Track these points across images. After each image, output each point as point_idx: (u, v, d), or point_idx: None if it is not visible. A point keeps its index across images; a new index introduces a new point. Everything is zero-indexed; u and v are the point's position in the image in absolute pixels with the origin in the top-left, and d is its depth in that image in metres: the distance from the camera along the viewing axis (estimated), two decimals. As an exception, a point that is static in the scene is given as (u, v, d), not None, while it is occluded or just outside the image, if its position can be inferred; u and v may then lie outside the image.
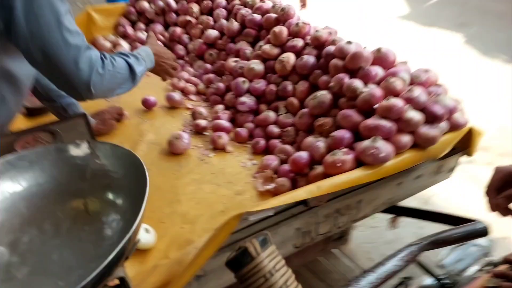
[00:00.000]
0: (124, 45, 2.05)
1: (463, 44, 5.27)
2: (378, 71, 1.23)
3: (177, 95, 1.63)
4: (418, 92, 1.06)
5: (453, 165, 1.27)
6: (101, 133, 1.37)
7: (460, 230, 0.94)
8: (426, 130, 1.04)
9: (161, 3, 2.14)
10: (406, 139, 1.03)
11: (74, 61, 0.88)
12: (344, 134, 1.09)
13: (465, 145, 1.16)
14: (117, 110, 1.47)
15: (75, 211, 0.67)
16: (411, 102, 1.05)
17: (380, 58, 1.25)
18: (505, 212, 0.88)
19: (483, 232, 0.95)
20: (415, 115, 1.03)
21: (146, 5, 2.20)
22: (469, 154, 1.17)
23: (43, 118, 1.40)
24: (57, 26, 0.85)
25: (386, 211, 1.31)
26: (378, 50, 1.26)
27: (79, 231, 0.65)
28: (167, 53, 1.26)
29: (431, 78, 1.25)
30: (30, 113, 1.40)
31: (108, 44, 2.06)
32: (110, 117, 1.41)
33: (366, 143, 1.00)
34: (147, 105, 1.59)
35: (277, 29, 1.52)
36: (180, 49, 2.00)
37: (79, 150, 0.70)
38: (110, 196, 0.68)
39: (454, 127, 1.11)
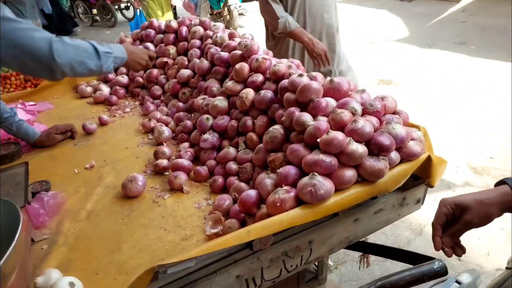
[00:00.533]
0: (105, 89, 2.12)
1: (462, 62, 5.18)
2: (330, 102, 1.20)
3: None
4: (362, 123, 1.01)
5: (420, 196, 1.18)
6: (43, 144, 1.58)
7: (414, 271, 0.85)
8: (372, 163, 0.98)
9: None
10: (349, 173, 0.97)
11: (31, 38, 1.03)
12: (289, 170, 1.04)
13: (427, 174, 1.08)
14: (66, 126, 1.64)
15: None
16: (355, 133, 1.00)
17: (333, 89, 1.23)
18: (450, 252, 0.79)
19: (440, 272, 0.85)
20: (358, 148, 0.97)
21: (127, 49, 2.28)
22: (429, 184, 1.08)
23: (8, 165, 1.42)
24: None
25: (351, 248, 1.22)
26: (331, 81, 1.24)
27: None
28: (140, 49, 1.51)
29: (388, 106, 1.20)
30: (-6, 161, 1.43)
31: (89, 89, 2.14)
32: (55, 131, 1.59)
33: (304, 180, 0.95)
34: (87, 131, 1.71)
35: (238, 65, 1.52)
36: (157, 89, 2.04)
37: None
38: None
39: (408, 156, 1.04)
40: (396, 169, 1.02)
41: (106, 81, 2.23)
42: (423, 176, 1.10)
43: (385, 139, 1.00)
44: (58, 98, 2.12)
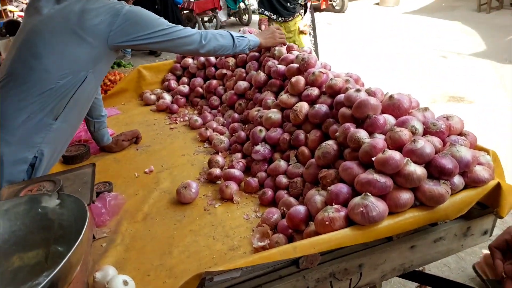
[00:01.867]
0: (167, 97, 2.25)
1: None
2: (389, 119, 1.15)
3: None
4: (422, 143, 0.95)
5: (488, 227, 1.08)
6: (111, 150, 1.71)
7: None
8: (431, 187, 0.92)
9: (202, 59, 2.33)
10: (406, 196, 0.91)
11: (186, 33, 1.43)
12: (341, 188, 1.01)
13: (496, 203, 0.98)
14: (133, 133, 1.78)
15: (36, 259, 0.72)
16: (413, 154, 0.95)
17: (393, 106, 1.18)
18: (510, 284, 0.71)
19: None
20: (416, 169, 0.92)
21: (190, 61, 2.41)
22: (499, 215, 0.98)
23: (78, 165, 1.57)
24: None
25: (406, 277, 1.15)
26: (390, 97, 1.19)
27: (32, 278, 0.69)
28: (269, 31, 1.85)
29: (453, 126, 1.13)
30: (66, 161, 1.59)
31: (153, 97, 2.29)
32: (124, 138, 1.74)
33: (356, 199, 0.92)
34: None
35: (294, 79, 1.53)
36: (215, 100, 2.12)
37: (50, 201, 0.76)
38: (60, 249, 0.72)
39: (474, 182, 0.96)
40: (459, 195, 0.95)
41: (168, 90, 2.37)
42: (491, 205, 1.00)
43: (447, 162, 0.93)
44: (124, 105, 2.29)
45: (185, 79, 2.37)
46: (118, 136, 1.75)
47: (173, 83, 2.35)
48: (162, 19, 1.39)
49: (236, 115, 1.89)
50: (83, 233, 0.64)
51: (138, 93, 2.38)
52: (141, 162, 1.63)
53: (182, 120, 2.05)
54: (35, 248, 0.73)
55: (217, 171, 1.46)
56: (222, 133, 1.81)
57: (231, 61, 2.16)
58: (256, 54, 2.04)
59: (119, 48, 1.31)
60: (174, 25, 1.41)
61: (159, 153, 1.70)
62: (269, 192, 1.31)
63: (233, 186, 1.35)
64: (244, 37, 1.69)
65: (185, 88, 2.28)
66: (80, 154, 1.61)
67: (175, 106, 2.16)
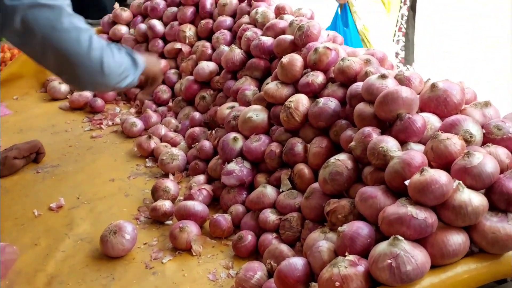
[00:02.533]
0: (87, 88, 2.24)
1: None
2: (431, 120, 1.20)
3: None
4: (480, 158, 0.99)
5: None
6: None
7: None
8: (495, 224, 0.96)
9: (143, 27, 2.35)
10: (457, 239, 0.95)
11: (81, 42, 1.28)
12: (358, 229, 1.03)
13: None
14: (31, 146, 1.75)
15: None
16: (467, 174, 0.98)
17: (436, 100, 1.22)
18: None
19: None
20: (472, 198, 0.95)
21: (123, 30, 2.43)
22: None
23: None
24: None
25: None
26: (433, 86, 1.23)
27: None
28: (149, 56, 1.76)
29: None
30: None
31: (63, 88, 2.29)
32: (16, 154, 1.71)
33: (381, 247, 0.94)
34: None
35: (286, 58, 1.56)
36: (163, 91, 2.13)
37: None
38: None
39: (560, 218, 1.00)
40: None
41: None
42: None
43: (519, 186, 0.97)
44: (18, 100, 2.28)
45: (115, 59, 2.37)
46: (7, 150, 1.74)
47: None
48: None
49: (197, 114, 1.91)
50: None
51: (40, 82, 2.36)
52: (43, 193, 1.62)
53: (110, 123, 2.06)
54: None
55: (166, 204, 1.47)
56: (174, 144, 1.82)
57: (189, 30, 2.19)
58: (228, 19, 2.07)
59: None
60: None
61: (73, 178, 1.70)
62: (249, 237, 1.32)
63: (192, 229, 1.36)
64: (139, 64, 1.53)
65: (116, 73, 2.28)
66: None
67: (99, 102, 2.16)
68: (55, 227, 1.46)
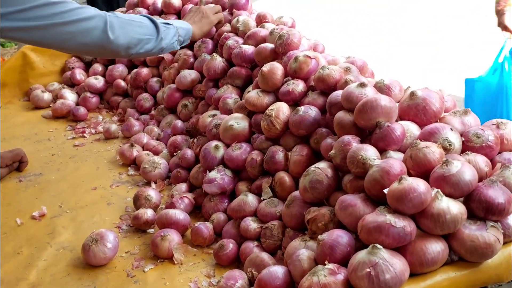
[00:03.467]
0: (69, 97, 2.23)
1: None
2: (410, 129, 1.20)
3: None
4: (458, 166, 0.98)
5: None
6: None
7: None
8: (473, 232, 0.95)
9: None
10: (436, 248, 0.94)
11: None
12: (338, 237, 1.03)
13: None
14: (14, 155, 1.74)
15: None
16: (446, 182, 0.98)
17: (415, 108, 1.23)
18: None
19: None
20: (450, 206, 0.95)
21: (106, 38, 2.39)
22: None
23: None
24: None
25: None
26: (412, 94, 1.23)
27: None
28: (196, 10, 1.91)
29: (507, 138, 1.18)
30: None
31: (47, 96, 2.27)
32: None
33: (361, 255, 0.93)
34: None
35: (267, 66, 1.56)
36: (145, 99, 2.11)
37: None
38: None
39: (536, 225, 1.00)
40: (516, 244, 0.98)
41: (72, 84, 2.35)
42: None
43: (497, 194, 0.97)
44: (1, 108, 2.24)
45: (98, 67, 2.36)
46: None
47: (79, 74, 2.34)
48: None
49: (179, 123, 1.89)
50: None
51: (22, 90, 2.35)
52: (27, 201, 1.61)
53: (93, 131, 2.05)
54: None
55: (148, 213, 1.45)
56: (156, 152, 1.81)
57: (172, 38, 2.17)
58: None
59: None
60: None
61: (56, 186, 1.69)
62: (230, 245, 1.31)
63: (173, 237, 1.34)
64: (169, 24, 1.69)
65: (98, 81, 2.27)
66: None
67: (82, 110, 2.14)
68: (37, 236, 1.44)
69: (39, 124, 2.12)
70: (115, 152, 1.87)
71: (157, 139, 1.89)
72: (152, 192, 1.53)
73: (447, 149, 1.09)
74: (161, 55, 2.13)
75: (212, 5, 2.01)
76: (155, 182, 1.66)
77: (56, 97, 2.25)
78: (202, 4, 2.05)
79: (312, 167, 1.23)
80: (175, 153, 1.75)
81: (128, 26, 1.51)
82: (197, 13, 1.88)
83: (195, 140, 1.71)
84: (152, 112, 2.07)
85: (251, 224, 1.33)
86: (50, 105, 2.24)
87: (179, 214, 1.42)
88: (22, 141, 1.96)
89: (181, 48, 1.85)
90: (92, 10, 1.44)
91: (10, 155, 1.74)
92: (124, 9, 2.44)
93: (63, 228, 1.47)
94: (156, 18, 1.67)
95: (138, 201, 1.51)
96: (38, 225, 1.48)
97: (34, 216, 1.52)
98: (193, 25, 1.81)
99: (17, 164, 1.76)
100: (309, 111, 1.38)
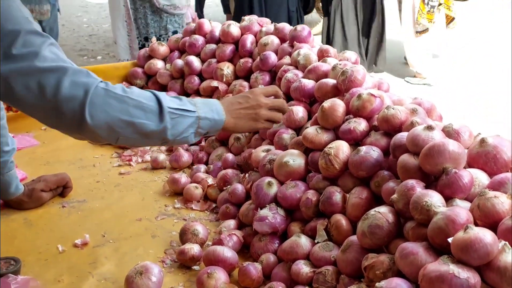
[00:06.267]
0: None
1: None
2: (478, 177, 1.23)
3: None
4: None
5: None
6: (23, 207, 1.79)
7: None
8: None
9: (179, 63, 2.47)
10: None
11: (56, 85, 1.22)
12: (398, 286, 1.06)
13: None
14: (59, 179, 1.84)
15: None
16: (515, 235, 1.01)
17: (485, 155, 1.26)
18: None
19: None
20: (519, 260, 0.98)
21: (159, 64, 2.56)
22: None
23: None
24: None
25: None
26: (482, 141, 1.27)
27: None
28: (249, 95, 1.59)
29: None
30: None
31: (94, 121, 2.39)
32: (44, 187, 1.80)
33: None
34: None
35: (328, 103, 1.63)
36: (196, 129, 2.21)
37: None
38: None
39: None
40: None
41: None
42: None
43: None
44: (46, 131, 2.38)
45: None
46: (34, 182, 1.83)
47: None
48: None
49: (230, 156, 1.98)
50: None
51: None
52: (68, 228, 1.69)
53: (140, 160, 2.15)
54: None
55: (194, 248, 1.52)
56: (204, 186, 1.88)
57: (227, 68, 2.30)
58: (270, 56, 2.15)
59: None
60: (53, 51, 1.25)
61: (99, 215, 1.77)
62: (280, 289, 1.35)
63: (220, 276, 1.40)
64: (188, 111, 1.40)
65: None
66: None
67: (129, 137, 2.26)
68: (78, 265, 1.52)
69: (85, 149, 2.23)
70: (161, 183, 1.96)
71: (207, 172, 1.98)
72: (199, 227, 1.60)
73: (514, 201, 1.12)
74: (215, 85, 2.25)
75: (272, 97, 1.66)
76: (198, 201, 1.79)
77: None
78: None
79: (372, 211, 1.28)
80: (224, 188, 1.83)
81: (115, 103, 1.29)
82: (245, 107, 1.55)
83: (247, 175, 1.79)
84: (203, 143, 2.17)
85: (303, 267, 1.37)
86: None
87: (227, 252, 1.48)
88: (66, 165, 2.07)
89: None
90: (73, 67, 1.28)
91: (55, 179, 1.85)
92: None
93: (105, 258, 1.55)
94: (174, 99, 1.42)
95: (184, 235, 1.59)
96: (80, 254, 1.57)
97: (76, 244, 1.61)
98: (231, 119, 1.51)
99: (61, 189, 1.87)
100: (371, 151, 1.44)
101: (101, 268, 1.51)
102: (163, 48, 2.60)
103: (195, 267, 1.51)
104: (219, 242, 1.55)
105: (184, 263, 1.52)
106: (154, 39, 2.74)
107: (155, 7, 3.74)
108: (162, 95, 1.38)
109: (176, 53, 2.58)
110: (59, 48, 1.29)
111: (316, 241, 1.43)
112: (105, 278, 1.47)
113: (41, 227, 1.71)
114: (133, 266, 1.41)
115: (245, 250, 1.58)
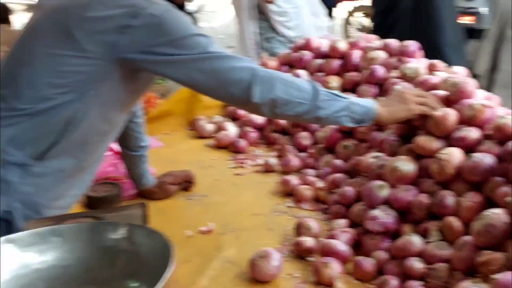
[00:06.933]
0: (231, 129, 2.54)
1: None
2: None
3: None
4: None
5: None
6: (153, 197, 1.96)
7: None
8: None
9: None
10: None
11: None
12: (514, 280, 1.12)
13: None
14: (185, 175, 2.04)
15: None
16: None
17: None
18: None
19: None
20: None
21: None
22: None
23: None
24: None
25: None
26: None
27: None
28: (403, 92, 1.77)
29: None
30: (90, 204, 1.87)
31: (210, 127, 2.59)
32: (172, 180, 2.00)
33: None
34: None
35: (439, 112, 1.69)
36: (304, 137, 2.34)
37: (115, 233, 1.00)
38: (133, 284, 0.93)
39: None
40: None
41: (234, 118, 2.66)
42: None
43: None
44: (168, 135, 2.61)
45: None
46: (164, 176, 2.03)
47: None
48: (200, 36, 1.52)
49: (338, 162, 2.07)
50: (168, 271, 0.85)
51: (188, 120, 2.69)
52: (194, 217, 1.86)
53: (253, 163, 2.30)
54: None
55: (309, 241, 1.62)
56: (315, 188, 1.99)
57: (334, 81, 2.40)
58: (377, 69, 2.23)
59: (129, 65, 1.49)
60: (218, 46, 1.54)
61: (220, 208, 1.93)
62: (394, 283, 1.42)
63: (335, 266, 1.49)
64: (340, 96, 1.65)
65: (259, 117, 2.53)
66: (109, 197, 1.89)
67: (242, 143, 2.41)
68: (205, 248, 1.67)
69: (203, 152, 2.42)
70: (273, 184, 2.09)
71: (317, 176, 2.07)
72: (313, 223, 1.70)
73: None
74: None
75: (417, 89, 1.86)
76: (309, 202, 1.90)
77: (219, 128, 2.55)
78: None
79: (487, 212, 1.34)
80: (334, 190, 1.92)
81: (277, 83, 1.54)
82: (394, 96, 1.78)
83: (356, 179, 1.88)
84: (311, 150, 2.27)
85: (415, 263, 1.43)
86: (213, 135, 2.53)
87: (341, 245, 1.58)
88: (187, 165, 2.23)
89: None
90: (243, 59, 1.59)
91: (182, 174, 2.05)
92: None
93: (228, 245, 1.68)
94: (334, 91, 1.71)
95: (299, 229, 1.69)
96: (206, 239, 1.72)
97: (202, 231, 1.76)
98: (383, 107, 1.69)
99: (187, 184, 2.06)
100: (484, 158, 1.49)
101: (224, 253, 1.64)
102: (272, 63, 2.74)
103: (311, 258, 1.60)
104: (333, 236, 1.64)
105: (299, 253, 1.61)
106: (265, 54, 2.89)
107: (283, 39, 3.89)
108: (317, 84, 1.65)
109: (285, 67, 2.70)
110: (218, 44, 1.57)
111: (428, 240, 1.49)
112: (229, 261, 1.60)
113: (170, 215, 1.89)
114: (253, 252, 1.53)
115: (356, 249, 1.64)
